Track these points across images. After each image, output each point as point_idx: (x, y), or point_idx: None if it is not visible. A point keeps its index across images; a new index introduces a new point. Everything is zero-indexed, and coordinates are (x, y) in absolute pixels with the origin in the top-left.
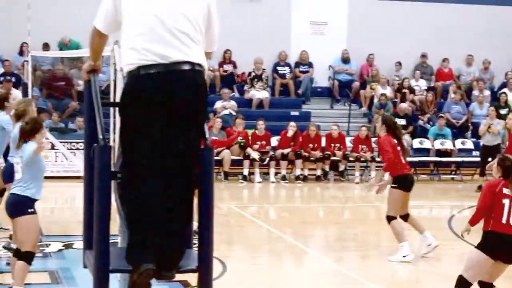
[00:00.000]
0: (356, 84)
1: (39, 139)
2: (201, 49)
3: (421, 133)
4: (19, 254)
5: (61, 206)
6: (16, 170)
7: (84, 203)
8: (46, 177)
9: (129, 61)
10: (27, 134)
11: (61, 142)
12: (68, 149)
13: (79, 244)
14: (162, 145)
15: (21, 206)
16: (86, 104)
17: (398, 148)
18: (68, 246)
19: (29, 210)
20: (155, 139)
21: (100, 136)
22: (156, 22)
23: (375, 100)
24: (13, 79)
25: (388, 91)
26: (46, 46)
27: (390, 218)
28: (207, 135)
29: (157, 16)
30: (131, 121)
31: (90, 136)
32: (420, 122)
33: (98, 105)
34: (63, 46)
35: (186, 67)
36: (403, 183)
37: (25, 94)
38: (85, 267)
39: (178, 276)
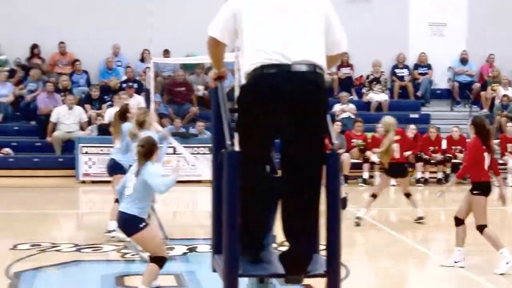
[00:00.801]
0: (477, 85)
1: (156, 158)
2: (322, 52)
3: None
4: (152, 258)
5: (183, 210)
6: (127, 185)
7: (212, 208)
8: None
9: (253, 61)
10: (144, 156)
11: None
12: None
13: (202, 247)
14: (270, 146)
15: (132, 224)
16: (213, 110)
17: (485, 154)
18: (192, 249)
19: (141, 226)
20: (270, 139)
21: (228, 142)
22: (280, 26)
23: (497, 102)
24: (135, 86)
25: (510, 92)
26: (166, 53)
27: (482, 227)
28: (333, 139)
29: (280, 19)
30: (247, 119)
31: (217, 141)
32: None
33: (226, 111)
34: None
35: (307, 68)
36: (486, 189)
37: (147, 100)
38: (214, 271)
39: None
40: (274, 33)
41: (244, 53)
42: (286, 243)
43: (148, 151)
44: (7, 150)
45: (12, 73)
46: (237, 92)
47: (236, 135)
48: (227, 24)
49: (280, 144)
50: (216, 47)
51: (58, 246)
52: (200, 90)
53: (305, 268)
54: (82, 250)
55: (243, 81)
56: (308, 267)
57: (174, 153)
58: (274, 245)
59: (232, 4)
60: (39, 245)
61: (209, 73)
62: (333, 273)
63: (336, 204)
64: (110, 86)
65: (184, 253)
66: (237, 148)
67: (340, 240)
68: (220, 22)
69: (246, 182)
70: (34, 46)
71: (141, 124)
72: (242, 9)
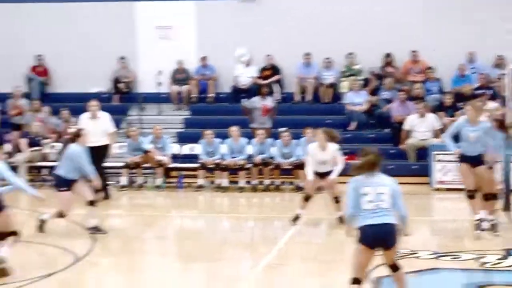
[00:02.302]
0: None
1: None
2: None
3: None
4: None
5: None
6: (381, 199)
7: None
8: None
9: None
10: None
11: None
12: None
13: None
14: None
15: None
16: None
17: None
18: None
19: None
20: None
21: None
22: None
23: None
24: (489, 92)
25: None
26: None
27: None
28: None
29: None
30: None
31: None
32: None
33: None
34: None
35: None
36: None
37: (503, 107)
38: None
39: None
40: None
41: None
42: None
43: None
44: None
45: (366, 82)
46: None
47: None
48: None
49: None
50: None
51: (416, 253)
52: None
53: None
54: (441, 258)
55: None
56: None
57: None
58: None
59: None
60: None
61: None
62: None
63: None
64: (463, 93)
65: None
66: None
67: None
68: None
69: None
70: (388, 55)
71: None
72: None
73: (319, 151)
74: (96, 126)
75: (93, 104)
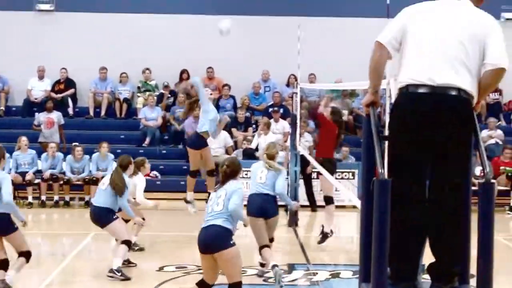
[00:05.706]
0: None
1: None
2: (472, 76)
3: None
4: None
5: None
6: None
7: (361, 236)
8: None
9: (401, 79)
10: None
11: None
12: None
13: (345, 273)
14: (420, 171)
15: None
16: (364, 137)
17: None
18: (334, 275)
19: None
20: (412, 163)
21: (380, 170)
22: (434, 47)
23: None
24: (281, 110)
25: None
26: (312, 77)
27: None
28: (474, 169)
29: (436, 41)
30: (396, 144)
31: (368, 169)
32: None
33: (378, 139)
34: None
35: (452, 92)
36: None
37: (293, 125)
38: None
39: None
40: (429, 52)
41: (399, 67)
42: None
43: (232, 171)
44: (154, 173)
45: (161, 97)
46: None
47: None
48: (392, 31)
49: (416, 170)
50: (380, 49)
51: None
52: (344, 115)
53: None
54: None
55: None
56: None
57: (317, 178)
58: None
59: (403, 17)
60: (185, 267)
61: (363, 100)
62: None
63: (489, 236)
64: (256, 109)
65: (327, 279)
66: (387, 175)
67: (492, 273)
68: (387, 29)
69: (400, 212)
70: (183, 71)
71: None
72: (408, 24)
73: None
74: None
75: None
